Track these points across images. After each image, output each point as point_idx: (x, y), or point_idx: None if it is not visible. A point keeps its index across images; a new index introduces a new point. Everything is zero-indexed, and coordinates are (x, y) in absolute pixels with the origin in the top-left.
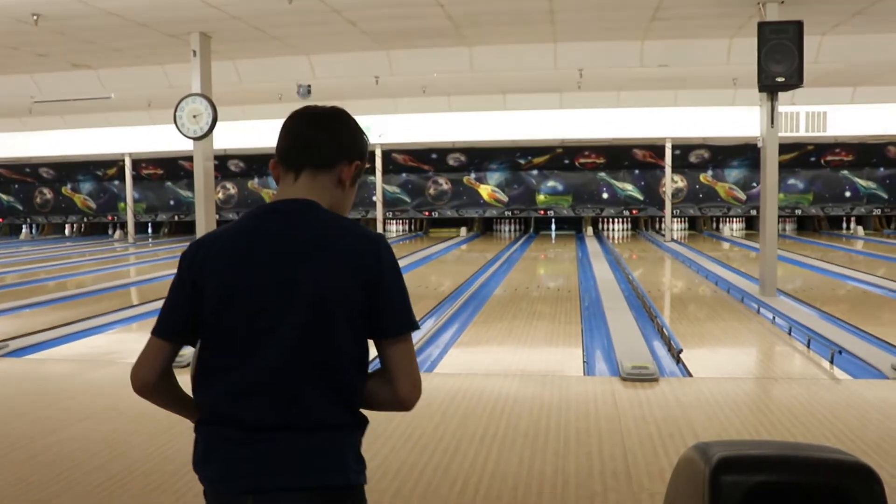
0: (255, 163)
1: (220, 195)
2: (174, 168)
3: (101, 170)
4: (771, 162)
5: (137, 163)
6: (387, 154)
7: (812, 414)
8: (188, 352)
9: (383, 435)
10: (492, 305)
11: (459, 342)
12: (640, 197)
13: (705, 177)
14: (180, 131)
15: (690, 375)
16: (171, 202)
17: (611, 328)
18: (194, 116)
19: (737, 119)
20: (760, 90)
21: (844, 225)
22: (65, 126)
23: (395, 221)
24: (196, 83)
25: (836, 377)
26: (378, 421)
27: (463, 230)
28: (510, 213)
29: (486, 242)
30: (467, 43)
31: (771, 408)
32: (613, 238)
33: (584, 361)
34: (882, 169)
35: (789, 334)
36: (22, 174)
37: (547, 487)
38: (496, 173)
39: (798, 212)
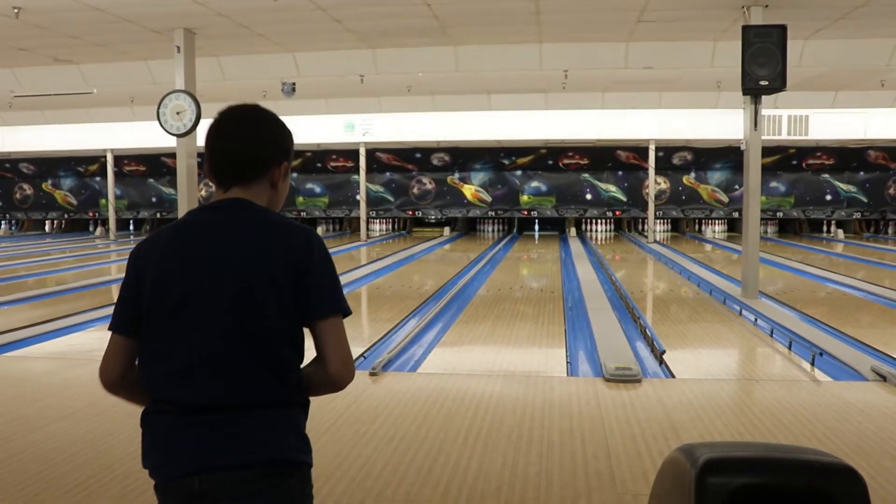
0: None
1: (203, 192)
2: (157, 165)
3: (82, 166)
4: (754, 164)
5: (119, 159)
6: (371, 153)
7: (793, 415)
8: None
9: (366, 436)
10: (475, 306)
11: (443, 342)
12: (624, 198)
13: (688, 179)
14: (163, 128)
15: (673, 376)
16: (153, 199)
17: (594, 329)
18: (178, 113)
19: (720, 122)
20: (744, 93)
21: (825, 228)
22: (45, 121)
23: (378, 220)
24: (180, 79)
25: (817, 379)
26: (361, 422)
27: (446, 230)
28: (494, 214)
29: (469, 242)
30: (453, 42)
31: (753, 409)
32: (596, 239)
33: (567, 362)
34: (862, 173)
35: (771, 336)
36: (1, 170)
37: (531, 488)
38: (480, 173)
39: (779, 214)
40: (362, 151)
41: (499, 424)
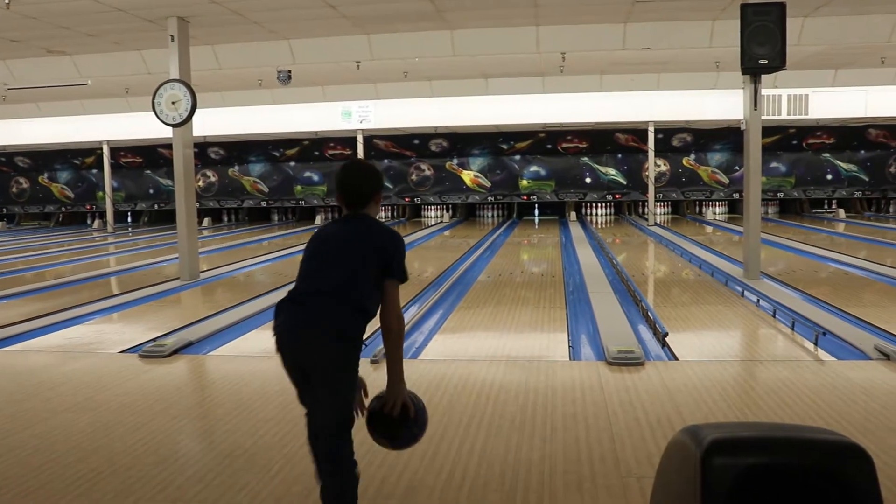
0: (235, 150)
1: (201, 183)
2: (153, 156)
3: (78, 158)
4: (754, 145)
5: (116, 151)
6: (368, 140)
7: (798, 396)
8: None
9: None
10: (476, 291)
11: (444, 328)
12: (623, 181)
13: (688, 161)
14: (159, 118)
15: (676, 359)
16: (151, 191)
17: (596, 313)
18: (173, 103)
19: (719, 102)
20: (743, 73)
21: (826, 207)
22: (40, 114)
23: None
24: (174, 69)
25: (821, 359)
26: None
27: (445, 216)
28: (493, 199)
29: (468, 228)
30: (449, 26)
31: (757, 390)
32: (597, 223)
33: (569, 346)
34: (863, 152)
35: (774, 317)
36: None
37: (534, 473)
38: (479, 158)
39: (780, 195)
40: (360, 139)
41: (501, 410)
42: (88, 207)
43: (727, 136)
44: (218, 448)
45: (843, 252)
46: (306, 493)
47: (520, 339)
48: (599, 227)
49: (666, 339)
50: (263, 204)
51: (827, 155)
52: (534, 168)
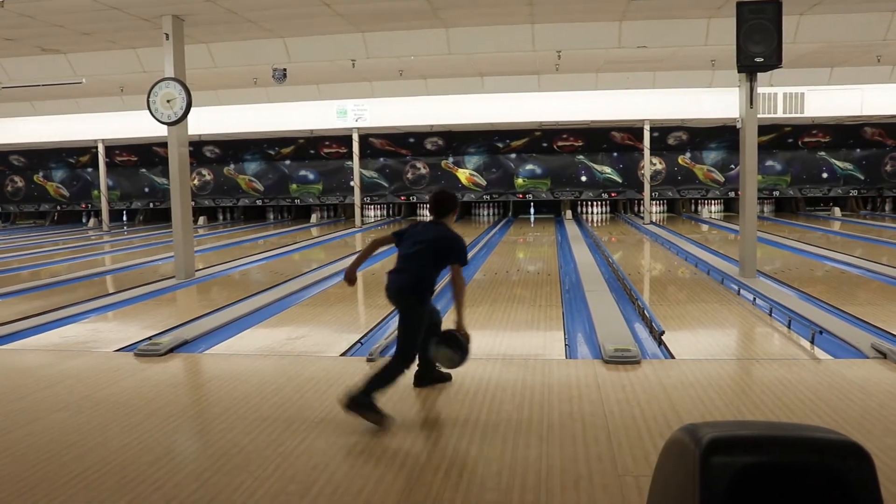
0: (230, 148)
1: (196, 182)
2: (148, 154)
3: (73, 157)
4: (750, 143)
5: (111, 149)
6: (364, 138)
7: (794, 394)
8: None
9: (364, 422)
10: (471, 290)
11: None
12: (619, 180)
13: (684, 159)
14: (154, 116)
15: (673, 357)
16: (146, 189)
17: (592, 311)
18: (168, 101)
19: (715, 101)
20: (739, 71)
21: (822, 205)
22: (35, 112)
23: (372, 206)
24: (169, 67)
25: (817, 357)
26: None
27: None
28: (488, 198)
29: (464, 227)
30: (444, 24)
31: (753, 389)
32: (592, 221)
33: (565, 345)
34: (858, 150)
35: (770, 315)
36: None
37: (531, 472)
38: (474, 157)
39: (776, 193)
40: (355, 137)
41: (498, 408)
42: (83, 206)
43: (723, 135)
44: (213, 447)
45: (839, 250)
46: (302, 491)
47: (516, 337)
48: (595, 225)
49: (662, 337)
50: (259, 202)
51: (823, 153)
52: (529, 166)
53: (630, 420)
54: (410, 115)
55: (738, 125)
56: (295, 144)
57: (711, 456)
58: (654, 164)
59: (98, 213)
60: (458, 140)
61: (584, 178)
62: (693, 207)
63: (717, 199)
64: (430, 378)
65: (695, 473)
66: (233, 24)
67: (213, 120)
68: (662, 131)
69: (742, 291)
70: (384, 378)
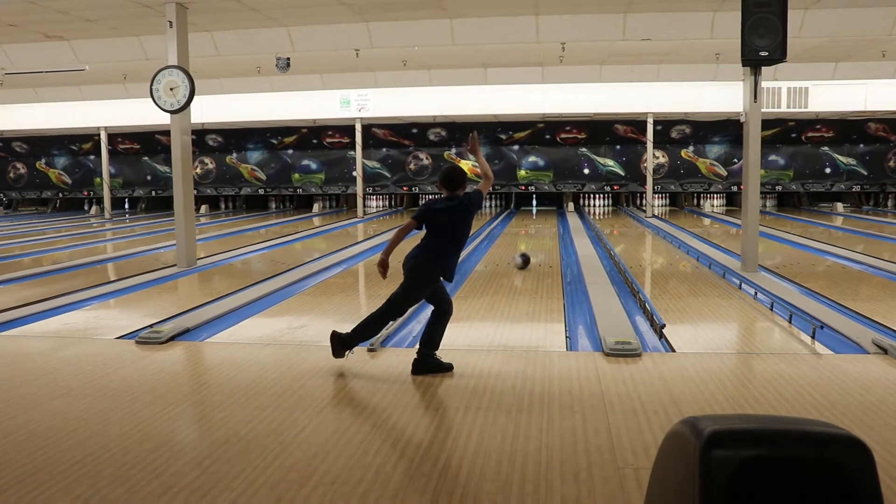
0: (233, 137)
1: (198, 170)
2: (151, 142)
3: (75, 144)
4: (753, 137)
5: (113, 137)
6: (367, 129)
7: (795, 389)
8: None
9: (365, 412)
10: (473, 281)
11: None
12: (622, 172)
13: (686, 153)
14: (157, 104)
15: (673, 351)
16: (148, 177)
17: (593, 304)
18: (171, 89)
19: (719, 94)
20: (744, 64)
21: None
22: (38, 99)
23: (375, 197)
24: (173, 55)
25: (818, 352)
26: (360, 398)
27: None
28: (491, 189)
29: None
30: (448, 15)
31: (754, 383)
32: (594, 214)
33: (566, 337)
34: (862, 145)
35: (771, 310)
36: None
37: (531, 463)
38: None
39: (779, 188)
40: (358, 127)
41: (498, 399)
42: (86, 193)
43: (726, 129)
44: (214, 435)
45: (841, 246)
46: (302, 480)
47: (517, 329)
48: (597, 218)
49: (663, 330)
50: (261, 192)
51: (826, 148)
52: (532, 158)
53: (630, 413)
54: (413, 105)
55: (742, 119)
56: (298, 134)
57: (712, 449)
58: (657, 158)
59: (100, 201)
60: (460, 131)
61: (586, 171)
62: (695, 201)
63: (720, 193)
64: (427, 366)
65: (695, 466)
66: (236, 13)
67: (216, 108)
68: (666, 124)
69: (743, 286)
70: (364, 327)
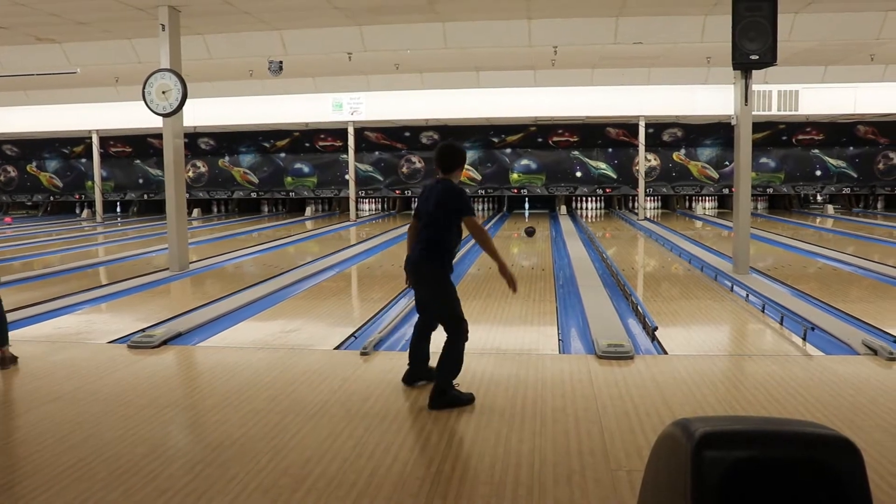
0: (225, 140)
1: (191, 173)
2: (143, 146)
3: (67, 147)
4: (745, 140)
5: (105, 140)
6: (359, 132)
7: (786, 390)
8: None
9: (358, 415)
10: (466, 284)
11: None
12: (614, 175)
13: (678, 155)
14: (149, 107)
15: (666, 353)
16: (140, 180)
17: (585, 306)
18: (163, 92)
19: (710, 98)
20: (734, 68)
21: (813, 201)
22: (29, 102)
23: (367, 200)
24: (165, 58)
25: (809, 353)
26: (353, 401)
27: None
28: (483, 192)
29: None
30: (441, 18)
31: (746, 384)
32: (587, 217)
33: (559, 340)
34: (852, 148)
35: (762, 312)
36: None
37: (524, 466)
38: (470, 151)
39: (770, 190)
40: (351, 130)
41: (491, 402)
42: (77, 197)
43: (717, 132)
44: (207, 439)
45: (832, 248)
46: (295, 485)
47: (510, 332)
48: (589, 220)
49: (655, 333)
50: (253, 195)
51: (816, 151)
52: (524, 161)
53: (623, 415)
54: (406, 108)
55: (733, 122)
56: (290, 137)
57: (703, 450)
58: (649, 161)
59: (92, 204)
60: (453, 134)
61: (578, 174)
62: (687, 204)
63: (712, 196)
64: (420, 377)
65: (687, 467)
66: (229, 16)
67: (208, 111)
68: (657, 127)
69: (735, 288)
70: (451, 364)
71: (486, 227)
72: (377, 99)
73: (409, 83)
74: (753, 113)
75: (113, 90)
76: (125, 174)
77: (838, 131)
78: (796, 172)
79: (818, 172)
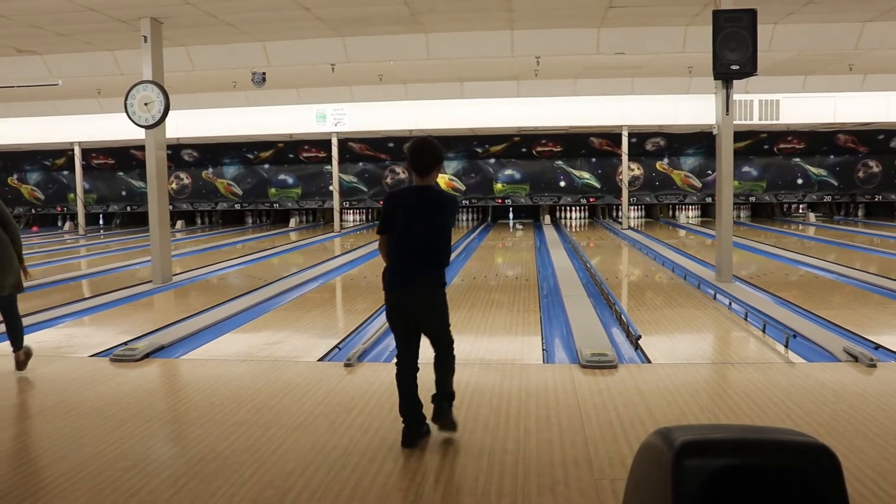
0: (209, 152)
1: (174, 185)
2: (126, 158)
3: (49, 160)
4: (726, 149)
5: (87, 152)
6: (343, 143)
7: (768, 397)
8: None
9: (342, 427)
10: (450, 294)
11: None
12: (597, 185)
13: (661, 165)
14: (131, 119)
15: (649, 362)
16: (123, 193)
17: (569, 316)
18: (146, 104)
19: (692, 107)
20: (715, 78)
21: (794, 210)
22: (10, 114)
23: (351, 211)
24: (147, 70)
25: (791, 361)
26: (337, 413)
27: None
28: (468, 202)
29: None
30: (424, 30)
31: (728, 392)
32: (571, 226)
33: (543, 349)
34: (832, 157)
35: (745, 319)
36: None
37: (508, 476)
38: (454, 162)
39: (752, 199)
40: (334, 141)
41: (475, 413)
42: (59, 209)
43: (700, 141)
44: (190, 452)
45: (814, 255)
46: (279, 497)
47: (494, 342)
48: (573, 230)
49: (639, 341)
50: (237, 207)
51: (797, 160)
52: (508, 171)
53: (606, 424)
54: (390, 119)
55: (715, 131)
56: (274, 148)
57: (684, 459)
58: (633, 170)
59: (74, 217)
60: None
61: (562, 184)
62: (670, 212)
63: (695, 205)
64: (421, 433)
65: (668, 476)
66: (212, 27)
67: (191, 123)
68: (640, 137)
69: (718, 296)
70: (453, 370)
71: (469, 239)
72: (361, 110)
73: (392, 94)
74: (735, 122)
75: (95, 102)
76: (108, 186)
77: (819, 140)
78: (778, 181)
79: (800, 181)
